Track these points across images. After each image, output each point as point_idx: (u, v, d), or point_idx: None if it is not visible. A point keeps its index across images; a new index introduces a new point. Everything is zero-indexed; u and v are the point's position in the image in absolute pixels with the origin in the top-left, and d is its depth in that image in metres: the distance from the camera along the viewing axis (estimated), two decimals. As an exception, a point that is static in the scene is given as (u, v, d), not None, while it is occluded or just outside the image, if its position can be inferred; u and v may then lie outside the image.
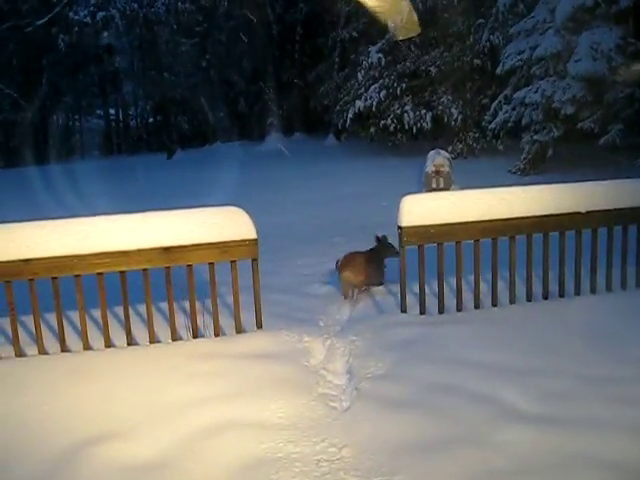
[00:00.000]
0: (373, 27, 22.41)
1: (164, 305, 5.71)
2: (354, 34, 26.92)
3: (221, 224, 5.44)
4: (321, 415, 4.10)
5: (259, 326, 5.64)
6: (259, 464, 3.55)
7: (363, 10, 22.47)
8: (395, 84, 21.40)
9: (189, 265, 5.44)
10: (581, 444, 3.56)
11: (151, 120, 42.14)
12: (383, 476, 3.39)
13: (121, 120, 43.71)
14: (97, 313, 5.48)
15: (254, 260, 5.52)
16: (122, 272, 5.33)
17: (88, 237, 5.22)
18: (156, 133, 38.64)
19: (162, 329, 5.58)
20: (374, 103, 21.35)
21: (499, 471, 3.34)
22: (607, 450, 3.50)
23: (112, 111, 43.37)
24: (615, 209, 6.18)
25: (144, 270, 5.37)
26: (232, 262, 5.51)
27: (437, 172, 8.85)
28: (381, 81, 21.63)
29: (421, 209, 5.73)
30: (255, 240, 5.47)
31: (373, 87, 21.66)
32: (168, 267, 5.41)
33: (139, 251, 5.29)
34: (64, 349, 5.31)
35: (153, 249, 5.32)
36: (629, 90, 14.88)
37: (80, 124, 42.54)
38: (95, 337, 5.45)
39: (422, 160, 9.30)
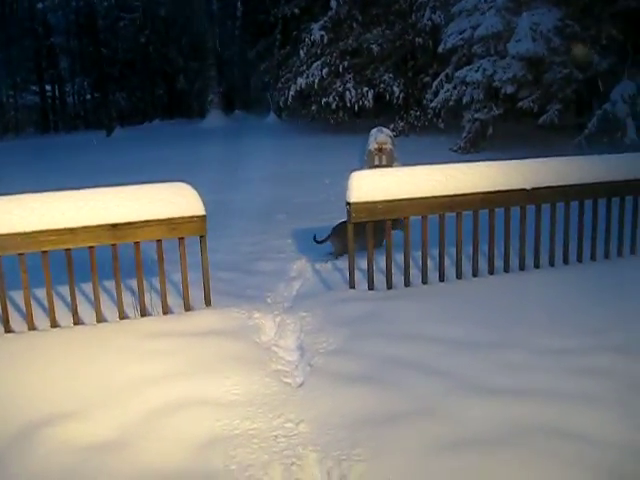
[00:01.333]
0: (315, 4, 22.31)
1: (111, 284, 5.62)
2: (296, 11, 26.72)
3: (169, 200, 5.37)
4: (276, 391, 4.09)
5: (208, 304, 5.60)
6: (217, 441, 3.53)
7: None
8: (337, 62, 21.35)
9: (136, 242, 5.36)
10: (540, 415, 3.62)
11: (89, 97, 41.34)
12: (342, 450, 3.40)
13: (57, 97, 42.75)
14: (42, 292, 5.36)
15: (202, 237, 5.47)
16: (68, 250, 5.22)
17: (32, 214, 5.09)
18: (94, 110, 37.94)
19: (109, 308, 5.49)
20: (316, 81, 21.29)
21: (458, 442, 3.38)
22: (567, 420, 3.56)
23: (48, 87, 42.36)
24: (559, 186, 6.29)
25: (90, 248, 5.27)
26: (180, 239, 5.44)
27: (379, 150, 8.80)
28: (323, 59, 21.56)
29: (370, 185, 5.74)
30: (204, 216, 5.42)
31: (315, 65, 21.58)
32: (115, 244, 5.31)
33: (85, 228, 5.18)
34: (8, 330, 5.18)
35: (100, 226, 5.21)
36: (567, 71, 15.13)
37: (15, 100, 41.47)
38: (40, 317, 5.34)
39: (364, 138, 9.29)
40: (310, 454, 3.44)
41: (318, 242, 7.44)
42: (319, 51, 21.86)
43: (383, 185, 5.76)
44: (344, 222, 6.14)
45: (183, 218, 5.37)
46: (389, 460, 3.26)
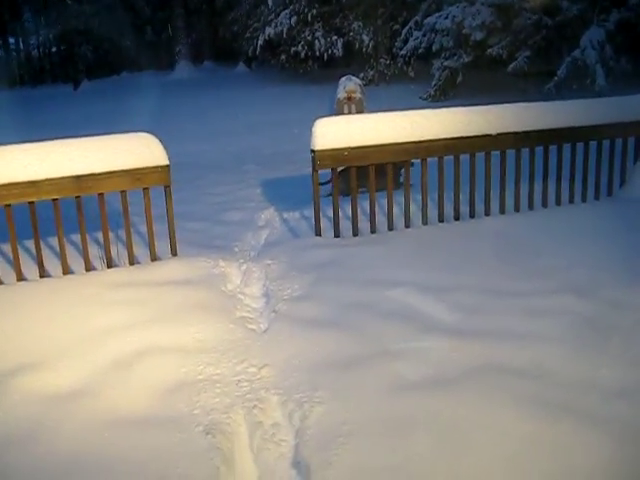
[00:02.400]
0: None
1: (76, 237, 5.60)
2: (264, -42, 26.32)
3: (133, 151, 5.33)
4: (240, 337, 4.13)
5: (174, 253, 5.60)
6: (181, 387, 3.56)
7: None
8: (306, 10, 21.08)
9: (100, 194, 5.32)
10: (495, 354, 3.70)
11: (54, 50, 40.47)
12: (304, 392, 3.45)
13: (22, 50, 41.84)
14: (7, 247, 5.33)
15: (167, 187, 5.44)
16: (31, 203, 5.18)
17: (-7, 167, 5.04)
18: (60, 63, 37.17)
19: (75, 261, 5.47)
20: (284, 30, 21.03)
21: (415, 382, 3.44)
22: (519, 359, 3.64)
23: (12, 40, 41.40)
24: (523, 131, 6.32)
25: (54, 200, 5.23)
26: (144, 190, 5.42)
27: (349, 98, 8.74)
28: (291, 7, 21.28)
29: (334, 132, 5.73)
30: (167, 166, 5.39)
31: (283, 13, 21.30)
32: (79, 196, 5.28)
33: (48, 181, 5.13)
34: (-26, 284, 5.17)
35: (63, 178, 5.16)
36: (536, 17, 15.06)
37: (-22, 54, 40.52)
38: (6, 271, 5.32)
39: (333, 87, 9.23)
40: (272, 397, 3.49)
41: (322, 184, 7.24)
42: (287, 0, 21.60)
43: (348, 132, 5.75)
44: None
45: (147, 168, 5.34)
46: (349, 401, 3.31)
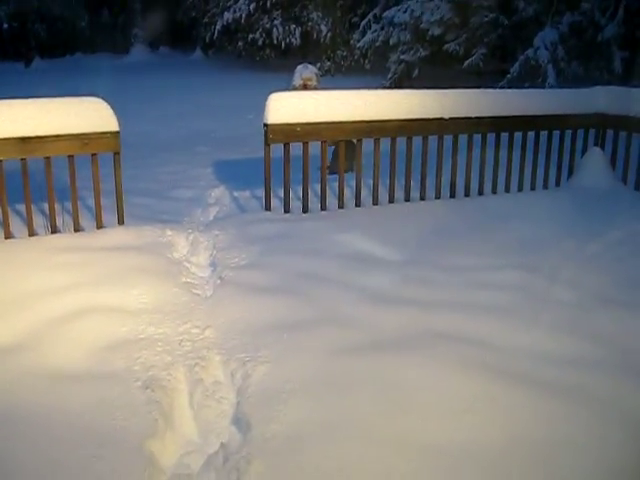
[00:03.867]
0: None
1: (19, 206, 5.49)
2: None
3: (82, 115, 5.22)
4: (184, 301, 4.08)
5: (121, 222, 5.51)
6: (121, 344, 3.50)
7: None
8: (265, -3, 21.04)
9: (47, 157, 5.21)
10: (438, 321, 3.73)
11: (6, 26, 39.65)
12: (247, 352, 3.42)
13: (-28, 25, 40.91)
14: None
15: (116, 154, 5.35)
16: (-26, 164, 5.05)
17: (-64, 125, 4.90)
18: (12, 40, 36.41)
19: (18, 227, 5.35)
20: (243, 16, 20.94)
21: (359, 346, 3.44)
22: (462, 326, 3.67)
23: (-38, 15, 40.47)
24: (476, 117, 6.37)
25: (-2, 161, 5.11)
26: (93, 155, 5.32)
27: (305, 86, 8.73)
28: (251, -7, 21.21)
29: (288, 107, 5.70)
30: (117, 132, 5.29)
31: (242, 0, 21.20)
32: (24, 159, 5.15)
33: (-8, 140, 5.01)
34: None
35: (8, 139, 5.03)
36: (494, 15, 15.23)
37: None
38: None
39: (290, 75, 9.23)
40: (214, 356, 3.46)
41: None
42: (247, -14, 21.48)
43: (301, 108, 5.73)
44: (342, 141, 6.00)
45: (96, 134, 5.24)
46: (292, 361, 3.29)
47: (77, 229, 5.38)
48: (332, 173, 6.78)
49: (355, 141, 6.31)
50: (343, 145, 5.95)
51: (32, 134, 5.09)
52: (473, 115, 6.36)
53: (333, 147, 7.26)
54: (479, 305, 3.95)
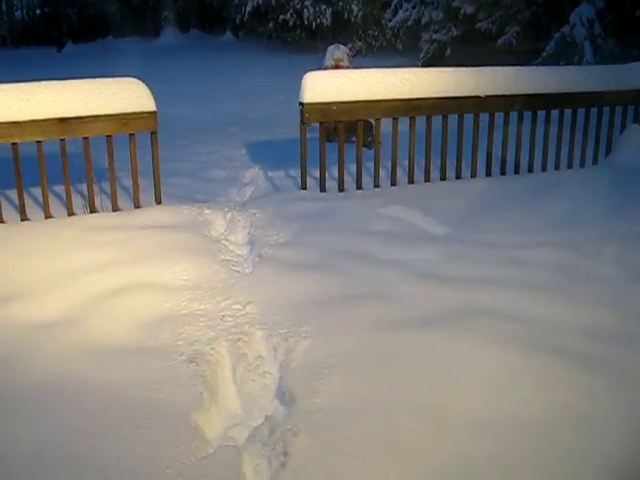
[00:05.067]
0: None
1: (57, 188, 5.54)
2: None
3: (119, 95, 5.25)
4: (224, 277, 4.12)
5: (158, 201, 5.56)
6: (165, 320, 3.55)
7: None
8: (296, -22, 20.89)
9: (85, 138, 5.25)
10: (482, 298, 3.73)
11: (38, 12, 39.96)
12: (289, 328, 3.45)
13: (5, 11, 41.24)
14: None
15: (153, 133, 5.39)
16: (14, 144, 5.10)
17: (-24, 105, 4.96)
18: (44, 25, 36.68)
19: (57, 208, 5.42)
20: (273, -3, 20.82)
21: (401, 321, 3.45)
22: (506, 303, 3.68)
23: (-6, 1, 40.81)
24: (512, 95, 6.30)
25: (38, 142, 5.16)
26: (131, 135, 5.35)
27: (336, 66, 8.74)
28: (281, -26, 21.06)
29: (324, 86, 5.68)
30: (154, 112, 5.32)
31: (273, -20, 21.08)
32: (63, 139, 5.21)
33: (32, 122, 5.05)
34: (-47, 224, 5.10)
35: (47, 120, 5.08)
36: (527, -9, 15.03)
37: (-41, 14, 39.90)
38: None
39: (321, 56, 9.24)
40: (257, 332, 3.48)
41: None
42: (278, -33, 21.33)
43: (337, 86, 5.71)
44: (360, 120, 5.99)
45: (134, 114, 5.27)
46: (335, 336, 3.32)
47: (115, 209, 5.44)
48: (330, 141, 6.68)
49: (373, 120, 6.27)
50: (362, 124, 5.91)
51: (71, 114, 5.13)
52: (509, 93, 6.29)
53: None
54: (520, 281, 3.95)
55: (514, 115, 6.42)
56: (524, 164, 6.54)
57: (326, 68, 8.65)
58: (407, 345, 3.22)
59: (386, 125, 6.01)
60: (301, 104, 5.66)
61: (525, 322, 3.46)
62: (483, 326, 3.39)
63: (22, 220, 5.21)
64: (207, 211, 5.36)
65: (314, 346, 3.24)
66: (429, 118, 6.05)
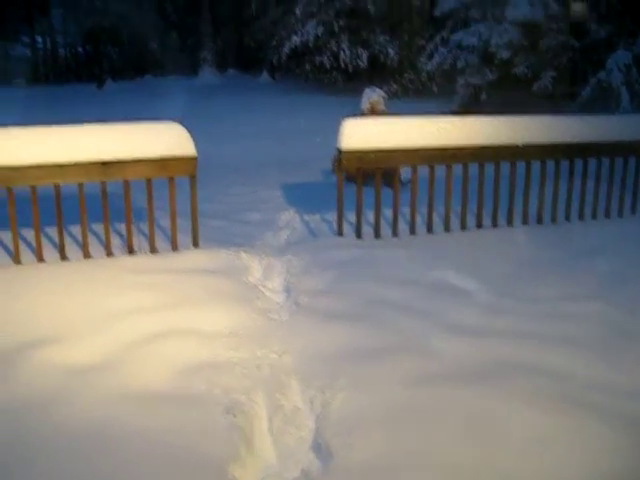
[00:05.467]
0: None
1: (97, 227, 5.62)
2: (293, -33, 26.43)
3: (160, 139, 5.35)
4: (261, 325, 4.13)
5: (196, 244, 5.61)
6: (201, 367, 3.56)
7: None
8: (333, 21, 21.12)
9: (126, 181, 5.34)
10: (521, 354, 3.70)
11: (80, 49, 40.82)
12: (325, 380, 3.44)
13: (49, 48, 42.20)
14: (28, 229, 5.35)
15: (192, 177, 5.46)
16: (57, 185, 5.20)
17: (21, 148, 5.06)
18: (86, 63, 37.47)
19: (95, 248, 5.49)
20: (310, 39, 21.06)
21: (438, 376, 3.43)
22: (544, 359, 3.64)
23: (39, 39, 41.79)
24: (550, 144, 6.30)
25: (80, 184, 5.25)
26: (170, 179, 5.43)
27: (372, 110, 8.78)
28: (319, 17, 21.32)
29: (362, 133, 5.73)
30: (194, 157, 5.40)
31: (310, 23, 21.34)
32: (104, 182, 5.30)
33: (76, 164, 5.16)
34: (-6, 262, 5.19)
35: (90, 163, 5.19)
36: (563, 38, 15.07)
37: (5, 51, 40.86)
38: (26, 252, 5.34)
39: (357, 99, 9.30)
40: (293, 382, 3.48)
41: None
42: (315, 10, 21.60)
43: (375, 134, 5.75)
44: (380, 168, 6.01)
45: (174, 158, 5.35)
46: (371, 389, 3.31)
47: (153, 251, 5.50)
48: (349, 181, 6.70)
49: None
50: (361, 174, 5.92)
51: (113, 158, 5.23)
52: (547, 141, 6.29)
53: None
54: (560, 337, 3.91)
55: (551, 164, 6.41)
56: (561, 212, 6.51)
57: (362, 111, 8.69)
58: (443, 401, 3.20)
59: (422, 171, 6.03)
60: (339, 151, 5.70)
61: (564, 380, 3.42)
62: (521, 383, 3.36)
63: (62, 259, 5.29)
64: (244, 255, 5.40)
65: (350, 399, 3.23)
66: (466, 166, 6.06)
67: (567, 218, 6.54)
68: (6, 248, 5.40)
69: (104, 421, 3.11)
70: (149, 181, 5.40)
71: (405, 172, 6.53)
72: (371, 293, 4.51)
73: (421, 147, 5.85)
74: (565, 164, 6.47)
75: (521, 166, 6.26)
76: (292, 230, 6.77)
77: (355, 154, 5.70)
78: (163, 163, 5.33)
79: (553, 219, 6.49)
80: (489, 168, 6.13)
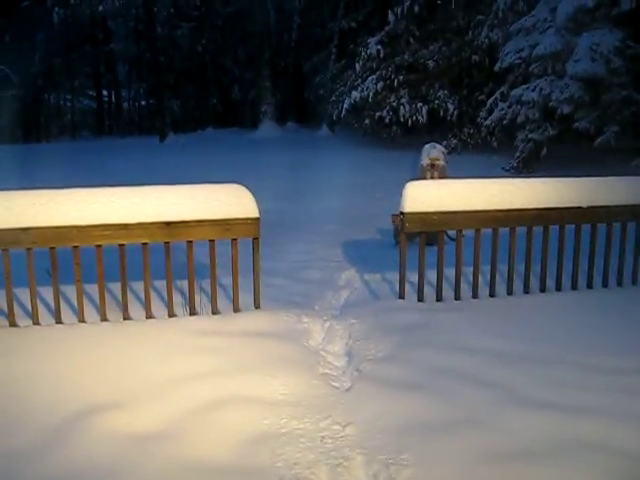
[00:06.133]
0: (373, 18, 22.37)
1: (159, 284, 5.67)
2: (353, 24, 26.83)
3: (224, 201, 5.40)
4: (323, 393, 4.08)
5: (257, 306, 5.61)
6: (264, 438, 3.53)
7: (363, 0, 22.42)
8: (392, 76, 21.31)
9: (189, 241, 5.40)
10: (585, 430, 3.56)
11: (144, 103, 42.00)
12: (389, 454, 3.38)
13: (113, 102, 43.49)
14: (93, 287, 5.42)
15: (255, 239, 5.49)
16: (121, 245, 5.28)
17: (88, 208, 5.17)
18: (148, 116, 38.51)
19: (158, 307, 5.54)
20: (370, 94, 21.27)
21: (504, 453, 3.33)
22: (610, 437, 3.50)
23: (105, 92, 43.14)
24: (615, 205, 6.19)
25: (144, 244, 5.32)
26: (233, 240, 5.47)
27: (432, 165, 8.76)
28: (378, 73, 21.55)
29: (425, 196, 5.71)
30: (257, 219, 5.44)
31: (370, 78, 21.58)
32: (168, 242, 5.36)
33: (140, 224, 5.24)
34: (58, 321, 5.25)
35: (154, 223, 5.26)
36: (626, 92, 14.92)
37: (72, 104, 42.27)
38: (90, 311, 5.41)
39: (416, 153, 9.28)
40: (357, 456, 3.42)
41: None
42: (375, 65, 21.86)
43: (438, 196, 5.72)
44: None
45: (237, 219, 5.40)
46: (436, 467, 3.23)
47: (215, 312, 5.52)
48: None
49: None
50: (424, 236, 5.88)
51: (177, 219, 5.30)
52: (612, 203, 6.18)
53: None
54: (626, 412, 3.76)
55: (617, 226, 6.29)
56: (627, 276, 6.37)
57: (422, 167, 8.68)
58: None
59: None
60: (402, 213, 5.69)
61: (632, 458, 3.29)
62: (586, 461, 3.24)
63: (124, 319, 5.34)
64: (305, 319, 5.38)
65: (415, 476, 3.15)
66: (530, 228, 5.98)
67: (634, 282, 6.38)
68: (71, 305, 5.47)
69: (165, 493, 3.09)
70: (212, 242, 5.44)
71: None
72: (435, 361, 4.44)
73: (484, 209, 5.80)
74: (632, 225, 6.33)
75: (586, 229, 6.15)
76: (352, 290, 6.76)
77: (418, 216, 5.69)
78: (226, 224, 5.38)
79: (619, 282, 6.34)
80: (553, 230, 6.05)
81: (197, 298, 5.56)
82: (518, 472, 3.18)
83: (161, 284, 5.58)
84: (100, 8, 33.07)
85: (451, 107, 20.50)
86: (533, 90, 16.00)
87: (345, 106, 22.15)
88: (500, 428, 3.58)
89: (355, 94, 21.65)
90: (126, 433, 3.59)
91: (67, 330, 5.08)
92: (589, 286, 6.25)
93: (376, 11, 25.07)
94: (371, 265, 7.42)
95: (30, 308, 5.26)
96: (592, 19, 15.08)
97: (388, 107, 21.15)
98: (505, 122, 17.57)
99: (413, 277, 6.00)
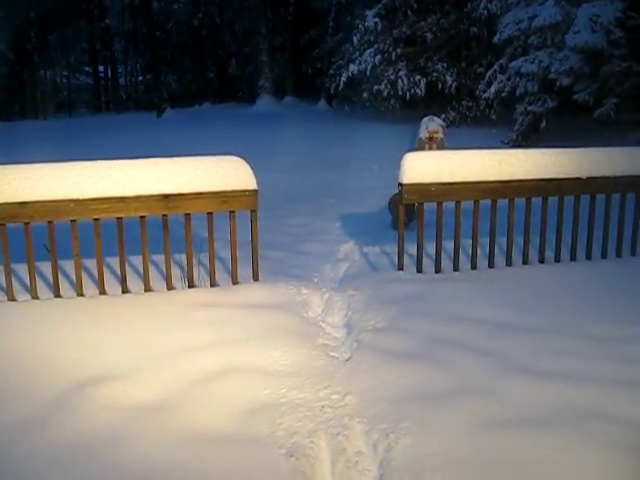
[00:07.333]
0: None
1: (157, 258, 5.66)
2: (350, -3, 26.64)
3: (222, 173, 5.37)
4: (323, 364, 4.09)
5: (256, 278, 5.60)
6: (263, 408, 3.54)
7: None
8: (390, 49, 21.14)
9: (187, 214, 5.38)
10: (585, 398, 3.57)
11: (140, 78, 41.79)
12: (389, 423, 3.38)
13: (110, 78, 43.26)
14: (92, 260, 5.41)
15: (253, 211, 5.47)
16: (119, 218, 5.26)
17: (85, 181, 5.14)
18: (145, 92, 38.30)
19: (156, 280, 5.53)
20: (368, 68, 21.11)
21: (504, 421, 3.34)
22: (610, 405, 3.51)
23: (101, 68, 42.90)
24: (615, 176, 6.17)
25: (141, 217, 5.31)
26: (231, 212, 5.45)
27: (431, 138, 8.70)
28: (376, 46, 21.37)
29: (423, 167, 5.68)
30: (255, 191, 5.42)
31: (368, 52, 21.40)
32: (166, 215, 5.35)
33: (137, 197, 5.22)
34: (57, 295, 5.25)
35: (152, 196, 5.24)
36: (626, 64, 14.82)
37: (68, 81, 42.06)
38: (88, 284, 5.40)
39: (415, 127, 9.22)
40: (356, 425, 3.42)
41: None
42: (372, 38, 21.65)
43: (436, 167, 5.70)
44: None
45: (235, 191, 5.38)
46: (435, 434, 3.23)
47: (213, 284, 5.51)
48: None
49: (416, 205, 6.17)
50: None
51: (175, 191, 5.28)
52: (611, 174, 6.16)
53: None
54: (627, 381, 3.76)
55: (616, 197, 6.27)
56: (627, 246, 6.36)
57: (420, 140, 8.62)
58: (507, 448, 3.11)
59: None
60: (400, 185, 5.67)
61: (634, 427, 3.29)
62: (587, 430, 3.24)
63: (123, 292, 5.34)
64: (304, 290, 5.37)
65: (415, 444, 3.16)
66: (528, 200, 5.96)
67: (633, 253, 6.38)
68: (70, 280, 5.46)
69: (164, 464, 3.10)
70: (210, 215, 5.43)
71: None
72: (434, 331, 4.44)
73: (482, 180, 5.78)
74: (632, 196, 6.32)
75: (585, 199, 6.13)
76: (351, 262, 6.76)
77: (416, 187, 5.66)
78: (224, 197, 5.36)
79: (618, 254, 6.33)
80: (552, 201, 6.03)
81: (196, 271, 5.54)
82: (518, 439, 3.19)
83: (159, 257, 5.55)
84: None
85: (449, 80, 20.36)
86: (532, 62, 15.86)
87: (343, 80, 21.97)
88: (500, 397, 3.59)
89: (353, 67, 21.48)
90: (126, 404, 3.60)
91: (66, 304, 5.08)
92: (588, 257, 6.24)
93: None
94: (370, 238, 7.41)
95: (29, 283, 5.24)
96: (592, -11, 14.94)
97: (386, 80, 20.98)
98: (504, 95, 17.44)
99: (412, 249, 5.98)
